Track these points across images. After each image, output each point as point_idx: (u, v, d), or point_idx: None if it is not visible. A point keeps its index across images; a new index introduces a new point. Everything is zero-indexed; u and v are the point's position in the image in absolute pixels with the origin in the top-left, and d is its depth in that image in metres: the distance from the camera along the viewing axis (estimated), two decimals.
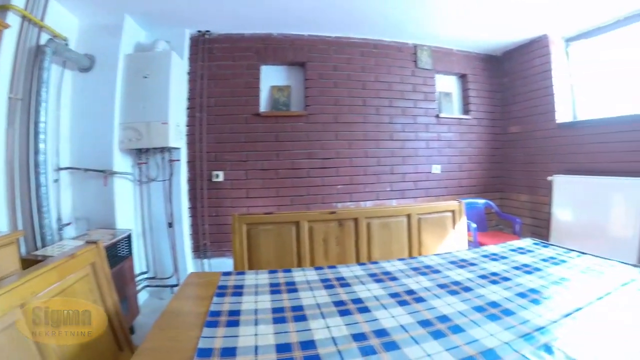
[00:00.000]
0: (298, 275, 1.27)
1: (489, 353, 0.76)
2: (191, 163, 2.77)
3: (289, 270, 1.32)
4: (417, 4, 2.55)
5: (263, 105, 2.98)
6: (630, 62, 2.65)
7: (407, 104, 3.35)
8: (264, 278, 1.23)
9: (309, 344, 0.79)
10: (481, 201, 3.40)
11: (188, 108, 2.79)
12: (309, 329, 0.86)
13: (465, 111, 3.64)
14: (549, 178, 3.03)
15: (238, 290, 1.11)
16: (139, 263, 2.51)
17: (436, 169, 3.46)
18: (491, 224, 3.66)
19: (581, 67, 3.14)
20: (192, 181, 2.80)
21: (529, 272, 1.33)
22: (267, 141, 2.91)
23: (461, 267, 1.40)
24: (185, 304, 1.06)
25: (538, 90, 3.33)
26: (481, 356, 0.75)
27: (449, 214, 2.17)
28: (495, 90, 3.76)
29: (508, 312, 0.97)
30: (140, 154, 2.48)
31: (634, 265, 1.38)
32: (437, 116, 3.46)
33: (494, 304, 1.03)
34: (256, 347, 0.78)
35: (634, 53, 2.61)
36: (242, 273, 1.28)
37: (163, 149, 2.50)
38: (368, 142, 3.20)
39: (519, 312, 0.97)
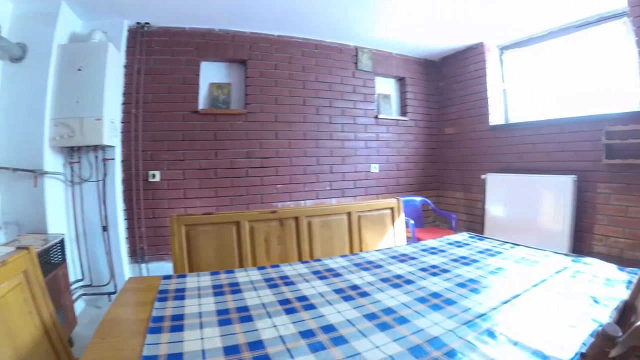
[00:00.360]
0: (241, 276, 1.36)
1: (435, 341, 0.87)
2: (126, 162, 2.89)
3: (231, 271, 1.41)
4: (359, 7, 2.88)
5: (202, 103, 3.20)
6: (557, 71, 3.25)
7: (347, 104, 3.78)
8: (206, 280, 1.30)
9: (257, 344, 0.85)
10: (418, 199, 3.94)
11: (123, 104, 2.90)
12: (256, 329, 0.92)
13: (403, 113, 4.16)
14: (483, 176, 3.61)
15: (180, 294, 1.16)
16: (73, 270, 2.53)
17: (375, 168, 3.98)
18: (428, 220, 4.26)
19: (514, 73, 3.73)
20: (127, 181, 2.91)
21: (467, 264, 1.54)
22: (206, 140, 3.15)
23: (402, 261, 1.59)
24: (126, 311, 1.09)
25: (473, 94, 3.89)
26: (428, 344, 0.85)
27: (388, 211, 2.46)
28: (432, 93, 4.31)
29: (450, 302, 1.12)
30: (72, 152, 2.55)
31: (566, 254, 1.64)
32: (376, 117, 3.94)
33: (435, 295, 1.18)
34: (203, 351, 0.82)
35: (561, 62, 3.21)
36: (184, 276, 1.35)
37: (96, 147, 2.59)
38: (308, 141, 3.58)
39: (460, 301, 1.13)
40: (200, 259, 1.91)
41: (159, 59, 3.05)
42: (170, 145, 3.07)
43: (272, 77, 3.45)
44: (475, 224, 3.90)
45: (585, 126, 2.88)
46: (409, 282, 1.31)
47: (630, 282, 1.27)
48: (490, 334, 0.90)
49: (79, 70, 2.49)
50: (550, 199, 3.02)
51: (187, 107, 3.13)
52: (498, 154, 3.68)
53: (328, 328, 0.94)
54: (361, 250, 2.30)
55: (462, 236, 2.11)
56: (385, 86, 4.16)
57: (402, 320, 0.99)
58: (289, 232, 2.15)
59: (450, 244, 1.93)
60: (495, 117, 3.79)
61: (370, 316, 1.02)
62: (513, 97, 3.80)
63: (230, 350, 0.84)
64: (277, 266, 1.53)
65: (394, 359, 0.79)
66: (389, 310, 1.05)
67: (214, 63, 3.33)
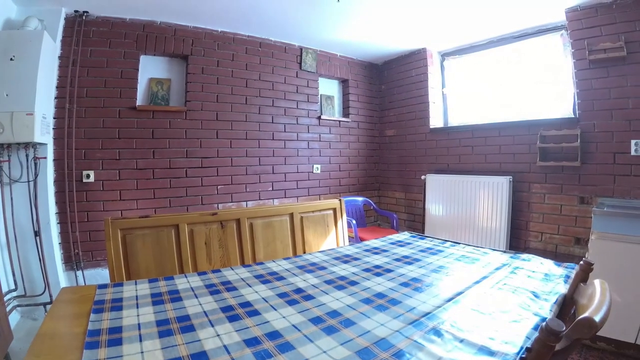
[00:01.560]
0: (181, 283, 1.42)
1: (382, 343, 0.95)
2: (59, 161, 3.00)
3: (170, 278, 1.47)
4: (306, 6, 3.24)
5: (140, 99, 3.42)
6: (496, 78, 3.98)
7: (290, 104, 4.22)
8: (144, 288, 1.35)
9: (200, 356, 0.88)
10: (360, 199, 4.52)
11: (56, 98, 3.00)
12: (199, 340, 0.96)
13: (346, 114, 4.73)
14: (423, 177, 4.27)
15: (117, 305, 1.19)
16: (5, 280, 2.58)
17: (317, 168, 4.46)
18: (370, 220, 4.88)
19: (454, 79, 4.44)
20: (59, 182, 3.01)
21: (409, 263, 1.74)
22: (143, 138, 3.36)
23: (345, 262, 1.76)
24: (61, 325, 1.10)
25: (414, 98, 4.55)
26: (375, 346, 0.93)
27: (330, 211, 2.77)
28: (374, 96, 4.93)
29: (395, 302, 1.24)
30: (1, 150, 2.63)
31: (504, 251, 1.91)
32: (319, 118, 4.43)
33: (380, 295, 1.31)
34: None
35: (500, 70, 3.95)
36: (120, 284, 1.38)
37: (27, 145, 2.68)
38: (250, 141, 3.95)
39: (405, 300, 1.26)
40: (138, 265, 1.98)
41: (97, 50, 3.19)
42: (105, 144, 3.24)
43: (214, 74, 3.76)
44: (415, 222, 4.59)
45: (521, 130, 3.59)
46: (353, 283, 1.45)
47: (567, 276, 1.48)
48: (437, 332, 1.01)
49: (11, 60, 2.57)
50: (487, 198, 3.71)
51: (124, 103, 3.31)
52: (437, 156, 4.38)
53: (273, 334, 1.01)
54: (304, 252, 2.52)
55: (404, 235, 2.42)
56: (329, 87, 4.69)
57: (348, 323, 1.09)
58: (231, 235, 2.32)
59: (392, 243, 2.19)
60: (435, 121, 4.50)
61: (316, 320, 1.11)
62: (453, 101, 4.54)
63: None
64: (218, 271, 1.61)
65: None
66: (334, 313, 1.16)
67: (154, 57, 3.55)
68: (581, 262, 1.24)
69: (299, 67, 4.28)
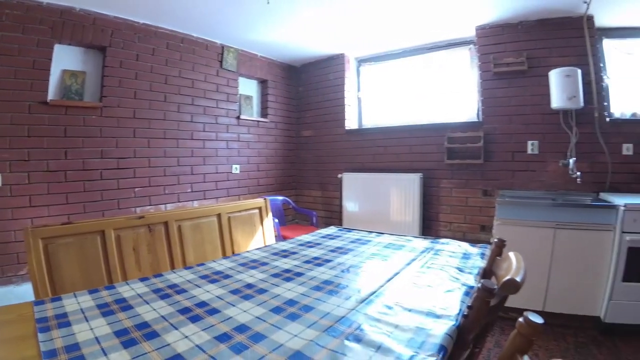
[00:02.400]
0: (125, 291, 1.44)
1: (344, 320, 1.14)
2: None
3: (112, 287, 1.48)
4: (231, 5, 3.49)
5: (52, 93, 3.34)
6: (409, 84, 4.69)
7: (210, 103, 4.45)
8: (86, 300, 1.34)
9: (176, 359, 0.93)
10: (280, 198, 4.94)
11: None
12: (168, 344, 1.00)
13: (264, 114, 5.11)
14: (339, 175, 4.85)
15: (63, 320, 1.17)
16: None
17: (236, 169, 4.75)
18: (288, 219, 5.32)
19: (370, 83, 5.08)
20: None
21: (344, 253, 2.02)
22: (55, 136, 3.30)
23: (285, 256, 1.96)
24: (7, 350, 1.05)
25: (331, 101, 5.10)
26: (339, 324, 1.11)
27: (256, 210, 3.04)
28: (292, 97, 5.40)
29: (342, 287, 1.48)
30: None
31: (425, 237, 2.33)
32: (238, 117, 4.73)
33: (327, 282, 1.54)
34: None
35: (413, 77, 4.66)
36: (58, 299, 1.35)
37: None
38: (168, 140, 4.09)
39: (351, 284, 1.51)
40: (62, 277, 1.95)
41: (8, 36, 3.05)
42: (13, 142, 3.11)
43: (132, 69, 3.82)
44: (333, 219, 5.19)
45: (431, 132, 4.36)
46: (299, 274, 1.65)
47: (483, 254, 1.93)
48: (388, 306, 1.27)
49: None
50: (401, 194, 4.41)
51: (35, 97, 3.20)
52: (353, 155, 5.01)
53: (241, 328, 1.11)
54: (233, 252, 2.70)
55: (332, 229, 2.73)
56: (248, 87, 5.03)
57: (308, 309, 1.26)
58: (159, 239, 2.41)
59: (323, 237, 2.45)
60: (351, 122, 5.13)
61: (277, 310, 1.26)
62: (367, 104, 5.21)
63: None
64: (160, 275, 1.65)
65: (315, 341, 0.99)
66: (291, 302, 1.33)
67: (70, 47, 3.49)
68: (496, 240, 1.60)
69: (220, 66, 4.53)
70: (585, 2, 3.22)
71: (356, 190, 4.76)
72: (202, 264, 1.86)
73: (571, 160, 3.45)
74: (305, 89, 5.50)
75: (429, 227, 4.42)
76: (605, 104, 3.57)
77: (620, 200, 2.88)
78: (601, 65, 3.58)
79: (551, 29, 3.66)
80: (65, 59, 3.48)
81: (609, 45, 3.70)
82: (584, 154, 3.55)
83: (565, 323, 3.01)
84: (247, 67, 4.84)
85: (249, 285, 1.52)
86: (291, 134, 5.52)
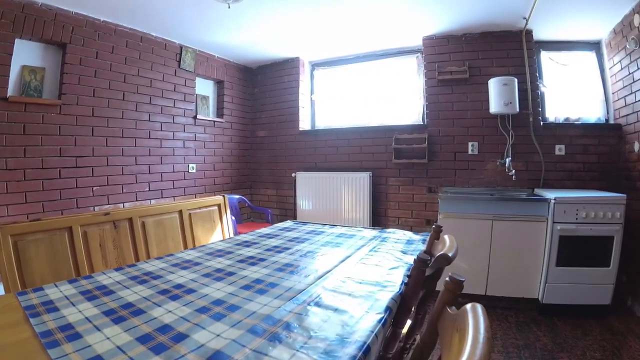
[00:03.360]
0: (103, 279, 1.54)
1: (269, 318, 1.14)
2: None
3: (90, 277, 1.56)
4: (191, 6, 3.67)
5: (11, 89, 3.34)
6: (359, 88, 5.10)
7: (167, 102, 4.58)
8: (68, 289, 1.42)
9: (166, 327, 1.07)
10: (236, 196, 5.16)
11: None
12: (155, 317, 1.15)
13: (220, 115, 5.31)
14: (293, 174, 5.16)
15: (51, 307, 1.23)
16: None
17: (192, 168, 4.90)
18: (244, 217, 5.55)
19: (322, 87, 5.43)
20: None
21: (301, 242, 2.25)
22: (14, 134, 3.31)
23: (247, 246, 2.15)
24: (1, 336, 1.06)
25: (285, 102, 5.39)
26: (263, 323, 1.11)
27: (215, 207, 3.26)
28: (247, 98, 5.64)
29: (302, 268, 1.68)
30: None
31: (374, 228, 2.64)
32: (195, 117, 4.89)
33: (288, 264, 1.74)
34: (119, 348, 0.96)
35: (364, 81, 5.06)
36: (40, 289, 1.42)
37: None
38: (126, 139, 4.18)
39: (310, 266, 1.72)
40: (32, 273, 2.02)
41: None
42: None
43: (92, 66, 3.89)
44: (287, 217, 5.48)
45: (379, 134, 4.81)
46: (262, 259, 1.87)
47: (424, 240, 2.20)
48: (342, 280, 1.50)
49: None
50: (351, 192, 4.81)
51: None
52: (306, 155, 5.35)
53: (218, 302, 1.27)
54: (195, 247, 2.91)
55: (289, 223, 2.99)
56: (205, 87, 5.21)
57: (273, 285, 1.46)
58: (124, 235, 2.55)
59: (281, 229, 2.69)
60: (304, 124, 5.47)
61: (246, 287, 1.43)
62: (320, 107, 5.57)
63: (144, 339, 1.02)
64: (134, 265, 1.76)
65: (237, 341, 1.00)
66: (258, 281, 1.52)
67: (30, 42, 3.50)
68: (434, 226, 1.83)
69: (178, 66, 4.67)
70: (525, 18, 3.77)
71: (309, 189, 5.09)
72: (172, 255, 1.98)
73: (507, 160, 4.00)
74: (260, 91, 5.76)
75: (379, 222, 4.83)
76: (540, 109, 4.14)
77: (551, 194, 3.37)
78: (537, 74, 4.15)
79: (493, 41, 4.20)
80: (24, 54, 3.48)
81: (545, 57, 4.30)
82: (520, 154, 4.13)
83: (506, 305, 3.52)
84: (205, 68, 5.01)
85: (219, 270, 1.69)
86: (246, 134, 5.76)
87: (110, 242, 2.49)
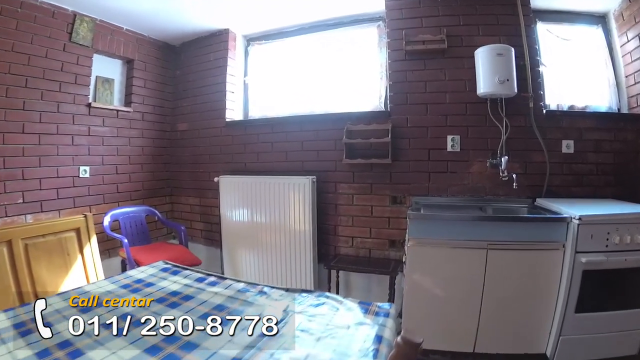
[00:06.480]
0: None
1: None
2: None
3: None
4: None
5: None
6: (304, 68, 4.38)
7: (51, 86, 3.76)
8: None
9: None
10: (140, 209, 4.43)
11: None
12: None
13: (127, 102, 4.52)
14: (216, 179, 4.33)
15: None
16: None
17: (85, 171, 4.11)
18: (161, 233, 4.86)
19: (259, 67, 4.72)
20: None
21: (138, 325, 1.62)
22: None
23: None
24: None
25: (210, 86, 4.66)
26: None
27: (72, 233, 2.69)
28: (167, 82, 4.87)
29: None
30: None
31: (286, 290, 2.15)
32: (89, 105, 4.09)
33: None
34: None
35: (310, 59, 4.36)
36: None
37: None
38: None
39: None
40: None
41: None
42: None
43: None
44: (213, 232, 4.75)
45: (326, 124, 3.95)
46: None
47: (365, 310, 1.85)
48: None
49: None
50: (290, 201, 3.94)
51: None
52: (234, 154, 4.59)
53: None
54: (36, 296, 2.28)
55: (153, 270, 2.40)
56: (108, 68, 4.39)
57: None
58: None
59: (123, 287, 2.13)
60: (234, 113, 4.72)
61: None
62: (256, 92, 4.85)
63: None
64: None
65: None
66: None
67: None
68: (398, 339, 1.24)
69: (68, 39, 3.85)
70: None
71: (237, 197, 4.26)
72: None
73: (503, 160, 3.21)
74: (183, 73, 4.96)
75: (326, 242, 4.04)
76: (542, 92, 3.41)
77: (566, 208, 2.66)
78: (536, 47, 3.45)
79: (478, 3, 3.44)
80: None
81: (543, 29, 3.63)
82: (516, 151, 3.37)
83: None
84: (107, 43, 4.19)
85: None
86: (164, 128, 4.97)
87: None
